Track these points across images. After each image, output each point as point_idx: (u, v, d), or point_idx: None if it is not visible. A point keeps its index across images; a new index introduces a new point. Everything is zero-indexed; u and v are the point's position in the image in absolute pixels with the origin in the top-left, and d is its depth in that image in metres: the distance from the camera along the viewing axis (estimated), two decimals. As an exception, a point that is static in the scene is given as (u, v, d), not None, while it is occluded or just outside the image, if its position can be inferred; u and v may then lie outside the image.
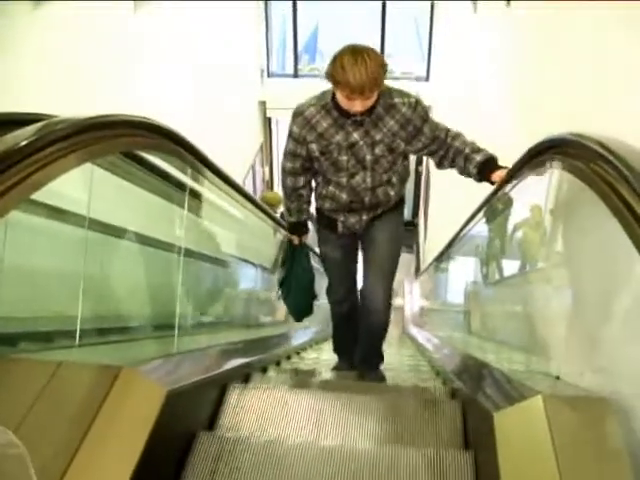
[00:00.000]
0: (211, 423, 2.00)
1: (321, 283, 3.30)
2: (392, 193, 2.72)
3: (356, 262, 3.13)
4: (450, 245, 4.44)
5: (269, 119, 11.01)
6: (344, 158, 2.52)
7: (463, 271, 4.18)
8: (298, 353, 4.82)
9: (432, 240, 8.60)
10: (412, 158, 3.01)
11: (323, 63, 11.98)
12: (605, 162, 1.14)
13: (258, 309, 4.64)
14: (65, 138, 1.27)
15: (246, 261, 4.11)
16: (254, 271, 4.49)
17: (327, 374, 3.46)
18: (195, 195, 2.47)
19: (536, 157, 1.71)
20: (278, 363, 3.74)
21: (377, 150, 2.51)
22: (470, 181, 2.61)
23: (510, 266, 2.76)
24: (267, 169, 11.35)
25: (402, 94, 2.47)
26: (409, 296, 9.22)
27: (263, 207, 3.67)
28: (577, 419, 1.27)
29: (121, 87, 4.03)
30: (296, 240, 3.09)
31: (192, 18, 5.94)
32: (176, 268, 2.28)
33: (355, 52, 2.18)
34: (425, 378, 3.57)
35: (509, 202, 2.50)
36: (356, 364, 3.29)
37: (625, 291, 1.34)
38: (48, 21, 3.11)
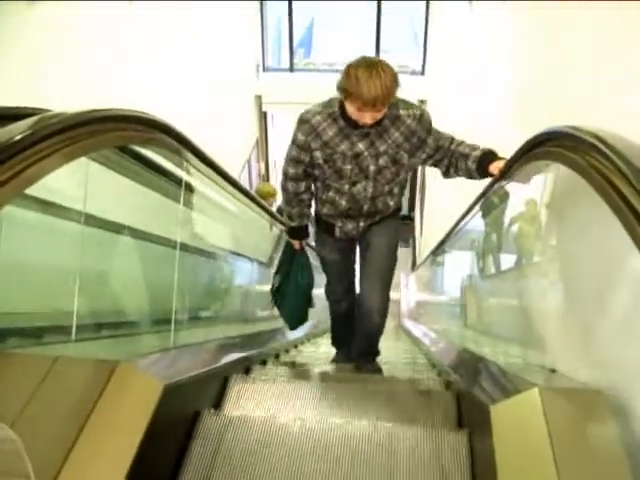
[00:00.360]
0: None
1: (319, 280, 3.30)
2: (391, 203, 2.75)
3: (354, 262, 3.14)
4: (446, 239, 4.44)
5: (265, 113, 10.97)
6: (348, 167, 2.52)
7: (459, 265, 4.19)
8: (296, 347, 4.85)
9: (428, 234, 8.61)
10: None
11: (318, 57, 11.98)
12: (601, 155, 1.14)
13: (255, 303, 4.64)
14: (60, 132, 1.26)
15: (242, 255, 4.11)
16: (250, 265, 4.48)
17: (325, 366, 3.49)
18: (190, 189, 2.46)
19: (533, 150, 1.71)
20: (277, 356, 3.79)
21: (381, 161, 2.51)
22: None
23: (506, 260, 2.77)
24: (263, 163, 11.33)
25: (407, 105, 2.47)
26: (405, 290, 9.25)
27: (258, 200, 3.66)
28: (573, 411, 1.27)
29: (116, 83, 4.01)
30: (297, 245, 3.08)
31: (187, 13, 5.91)
32: (172, 262, 2.28)
33: (370, 65, 2.18)
34: (421, 370, 3.61)
35: (505, 196, 2.50)
36: (353, 357, 3.33)
37: (620, 284, 1.35)
38: (44, 19, 3.09)
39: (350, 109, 2.30)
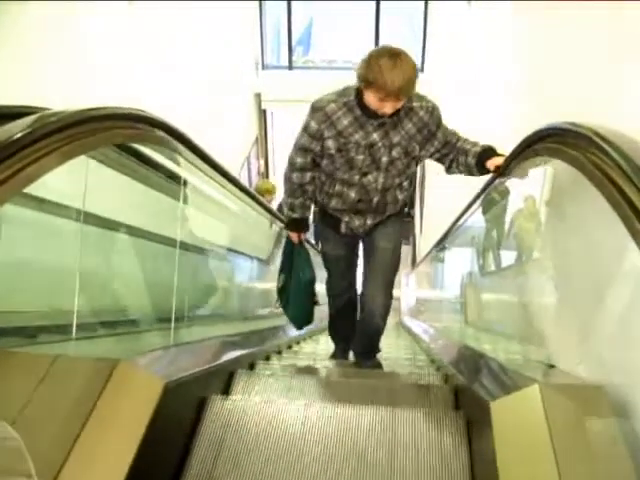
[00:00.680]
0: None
1: (320, 276, 3.29)
2: (400, 197, 2.73)
3: (357, 257, 3.10)
4: (446, 236, 4.44)
5: (264, 111, 10.96)
6: (360, 157, 2.49)
7: (459, 262, 4.19)
8: (298, 343, 4.87)
9: (428, 231, 8.61)
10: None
11: (317, 55, 11.97)
12: (600, 151, 1.14)
13: (256, 300, 4.64)
14: (59, 130, 1.26)
15: (241, 253, 4.11)
16: (250, 263, 4.49)
17: (326, 362, 3.52)
18: (187, 187, 2.46)
19: (532, 146, 1.71)
20: (279, 352, 3.82)
21: (394, 152, 2.50)
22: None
23: (506, 257, 2.77)
24: (262, 161, 11.33)
25: (420, 98, 2.48)
26: (405, 287, 9.25)
27: (257, 197, 3.66)
28: (573, 407, 1.27)
29: (117, 82, 4.01)
30: (295, 238, 3.01)
31: (187, 12, 5.90)
32: (172, 260, 2.28)
33: (393, 55, 2.16)
34: (421, 366, 3.64)
35: (504, 192, 2.50)
36: (355, 356, 3.35)
37: (619, 280, 1.35)
38: (42, 19, 3.09)
39: (370, 99, 2.28)
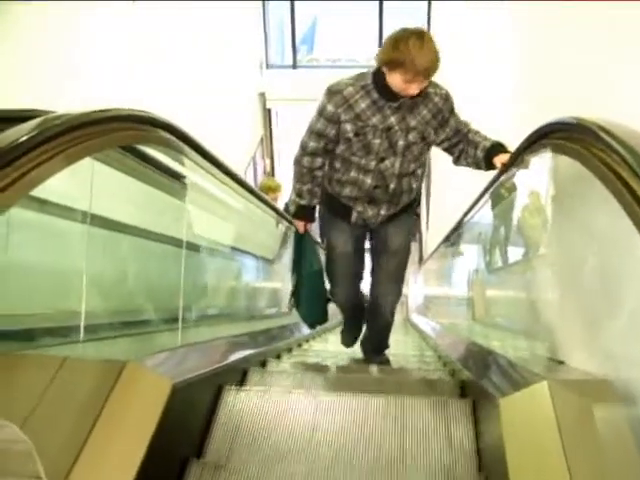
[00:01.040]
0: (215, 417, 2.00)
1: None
2: (414, 186, 2.74)
3: (364, 261, 3.09)
4: (452, 233, 4.43)
5: (269, 110, 10.97)
6: (377, 141, 2.50)
7: (466, 258, 4.18)
8: (307, 341, 4.90)
9: (434, 228, 8.59)
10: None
11: (321, 54, 11.96)
12: (605, 145, 1.14)
13: (265, 300, 4.64)
14: (64, 133, 1.27)
15: (248, 253, 4.11)
16: (257, 263, 4.49)
17: (336, 359, 3.56)
18: (193, 187, 2.46)
19: (537, 141, 1.70)
20: (290, 350, 3.90)
21: (410, 137, 2.52)
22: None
23: (512, 252, 2.76)
24: (268, 160, 11.33)
25: (434, 85, 2.51)
26: (413, 285, 9.24)
27: (263, 197, 3.65)
28: (583, 404, 1.27)
29: (121, 82, 4.03)
30: (301, 227, 2.98)
31: (190, 12, 5.91)
32: (178, 261, 2.28)
33: (419, 36, 2.20)
34: (428, 362, 3.66)
35: (510, 188, 2.49)
36: (363, 352, 3.42)
37: (626, 275, 1.34)
38: (43, 20, 3.10)
39: (396, 81, 2.30)
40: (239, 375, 2.42)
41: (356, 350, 3.63)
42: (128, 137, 1.63)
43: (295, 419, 1.90)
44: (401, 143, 2.51)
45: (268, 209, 3.84)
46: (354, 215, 2.76)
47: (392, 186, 2.64)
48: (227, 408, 1.96)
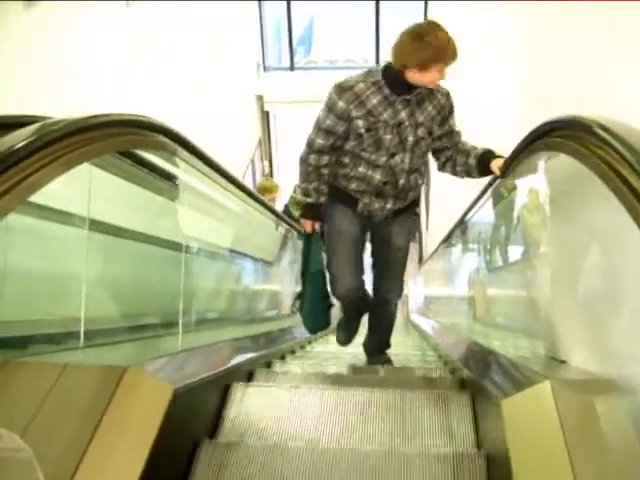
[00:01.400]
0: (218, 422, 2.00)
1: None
2: (420, 182, 2.79)
3: (363, 250, 3.09)
4: (452, 233, 4.43)
5: (267, 113, 10.97)
6: (388, 137, 2.52)
7: (466, 258, 4.18)
8: (309, 343, 4.90)
9: (434, 228, 8.59)
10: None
11: (319, 55, 11.95)
12: (604, 142, 1.13)
13: (265, 303, 4.64)
14: (62, 139, 1.26)
15: (247, 255, 4.10)
16: (257, 265, 4.48)
17: (337, 360, 3.56)
18: (190, 189, 2.46)
19: (536, 140, 1.70)
20: (293, 352, 3.93)
21: (419, 132, 2.56)
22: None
23: (512, 252, 2.76)
24: (266, 162, 11.33)
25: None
26: (413, 285, 9.24)
27: (261, 199, 3.65)
28: (586, 403, 1.26)
29: (118, 85, 4.02)
30: (309, 227, 2.94)
31: (187, 14, 5.91)
32: (178, 265, 2.28)
33: (437, 27, 2.30)
34: (429, 361, 3.67)
35: (509, 187, 2.50)
36: (366, 353, 3.43)
37: (627, 273, 1.34)
38: (41, 21, 3.10)
39: (416, 75, 2.35)
40: (244, 377, 2.42)
41: (357, 350, 3.63)
42: (126, 142, 1.63)
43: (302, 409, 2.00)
44: (411, 139, 2.55)
45: (267, 211, 3.84)
46: (360, 205, 2.75)
47: (402, 182, 2.66)
48: (233, 410, 1.96)
